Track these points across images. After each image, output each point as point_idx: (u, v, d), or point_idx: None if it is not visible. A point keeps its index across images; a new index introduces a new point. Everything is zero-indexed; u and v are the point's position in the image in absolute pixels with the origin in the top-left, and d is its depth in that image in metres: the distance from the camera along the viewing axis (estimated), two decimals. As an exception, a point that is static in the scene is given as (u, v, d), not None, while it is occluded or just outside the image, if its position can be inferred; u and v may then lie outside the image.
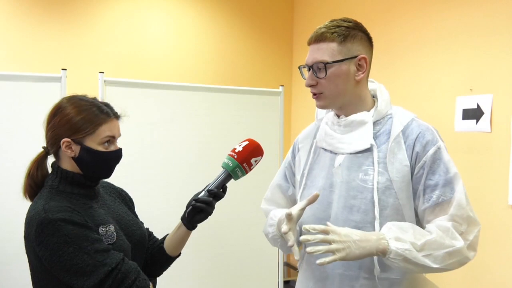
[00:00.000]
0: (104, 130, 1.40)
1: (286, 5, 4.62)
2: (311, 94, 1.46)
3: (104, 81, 2.73)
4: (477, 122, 2.77)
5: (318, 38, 1.40)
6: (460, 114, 2.88)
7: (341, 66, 1.39)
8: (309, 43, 1.44)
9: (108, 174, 1.49)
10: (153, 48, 4.03)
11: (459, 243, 1.28)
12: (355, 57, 1.40)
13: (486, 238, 2.72)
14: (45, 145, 1.46)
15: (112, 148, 1.44)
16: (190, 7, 4.19)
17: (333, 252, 1.22)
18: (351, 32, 1.41)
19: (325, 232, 1.23)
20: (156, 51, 4.03)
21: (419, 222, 1.41)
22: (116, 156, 1.46)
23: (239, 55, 4.40)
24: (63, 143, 1.39)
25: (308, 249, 1.23)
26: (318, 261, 1.22)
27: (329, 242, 1.22)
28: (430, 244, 1.27)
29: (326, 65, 1.38)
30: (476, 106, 2.77)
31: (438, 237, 1.28)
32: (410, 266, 1.27)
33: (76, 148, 1.39)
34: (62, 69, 2.66)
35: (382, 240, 1.25)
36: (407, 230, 1.29)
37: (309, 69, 1.42)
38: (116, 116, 1.46)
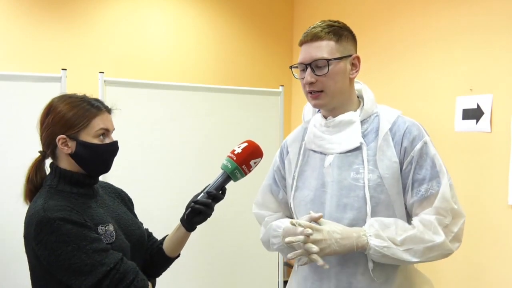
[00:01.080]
0: (98, 123, 1.42)
1: (286, 5, 4.62)
2: (307, 93, 1.47)
3: (104, 81, 2.73)
4: (477, 122, 2.77)
5: (315, 37, 1.43)
6: (460, 114, 2.88)
7: (339, 63, 1.43)
8: (303, 42, 1.46)
9: (107, 168, 1.49)
10: (153, 48, 4.02)
11: (439, 238, 1.33)
12: (350, 56, 1.45)
13: (486, 238, 2.73)
14: (41, 149, 1.47)
15: (107, 141, 1.45)
16: (190, 7, 4.18)
17: (315, 252, 1.29)
18: (344, 32, 1.46)
19: (310, 228, 1.30)
20: (156, 51, 4.03)
21: (410, 216, 1.44)
22: (112, 148, 1.47)
23: (239, 55, 4.39)
24: (59, 140, 1.40)
25: (289, 255, 1.31)
26: (299, 263, 1.32)
27: (312, 242, 1.29)
28: (410, 239, 1.33)
29: (328, 61, 1.40)
30: (476, 106, 2.77)
31: (418, 232, 1.33)
32: (389, 260, 1.34)
33: (72, 144, 1.40)
34: (62, 69, 2.66)
35: (363, 237, 1.32)
36: (389, 225, 1.35)
37: (306, 68, 1.44)
38: (108, 110, 1.47)
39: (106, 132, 1.45)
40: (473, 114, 2.79)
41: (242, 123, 3.14)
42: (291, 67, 1.53)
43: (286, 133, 3.46)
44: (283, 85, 3.39)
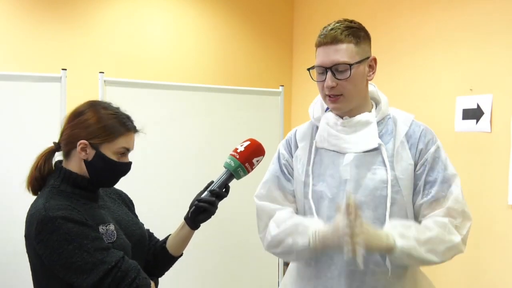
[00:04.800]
0: (121, 142, 1.44)
1: (286, 5, 4.62)
2: (326, 96, 1.45)
3: (104, 81, 2.73)
4: (477, 122, 2.77)
5: (335, 40, 1.41)
6: (460, 114, 2.88)
7: (359, 67, 1.43)
8: (322, 44, 1.44)
9: (112, 184, 1.52)
10: (153, 48, 4.02)
11: (457, 238, 1.37)
12: (368, 58, 1.46)
13: (486, 238, 2.73)
14: (57, 141, 1.48)
15: (124, 160, 1.47)
16: (190, 7, 4.18)
17: (356, 246, 1.24)
18: (362, 33, 1.45)
19: (354, 216, 1.24)
20: (156, 51, 4.03)
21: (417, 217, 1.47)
22: (125, 168, 1.50)
23: (239, 55, 4.39)
24: (80, 144, 1.41)
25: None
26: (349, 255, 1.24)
27: (351, 235, 1.23)
28: (432, 240, 1.34)
29: (350, 66, 1.40)
30: (476, 106, 2.77)
31: (439, 234, 1.35)
32: (412, 261, 1.35)
33: (91, 152, 1.42)
34: (62, 69, 2.66)
35: (390, 238, 1.31)
36: (409, 226, 1.36)
37: (326, 71, 1.42)
38: (135, 130, 1.50)
39: (126, 151, 1.47)
40: (473, 114, 2.79)
41: (242, 123, 3.14)
42: (308, 69, 1.50)
43: (286, 133, 3.45)
44: (283, 85, 3.39)
